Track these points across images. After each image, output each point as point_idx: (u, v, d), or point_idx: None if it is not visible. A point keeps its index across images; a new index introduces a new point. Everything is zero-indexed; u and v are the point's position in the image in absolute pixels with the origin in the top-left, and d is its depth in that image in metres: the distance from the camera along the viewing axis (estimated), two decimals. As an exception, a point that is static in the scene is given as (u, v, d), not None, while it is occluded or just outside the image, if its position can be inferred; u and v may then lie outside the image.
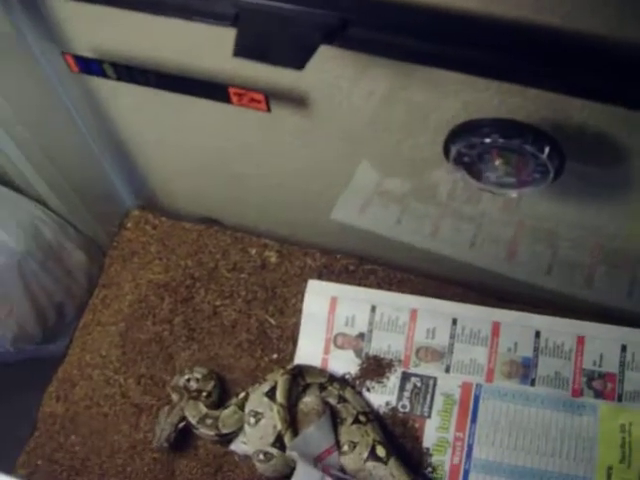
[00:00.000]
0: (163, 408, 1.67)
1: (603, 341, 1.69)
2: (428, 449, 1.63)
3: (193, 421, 1.62)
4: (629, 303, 1.73)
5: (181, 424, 1.65)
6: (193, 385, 1.71)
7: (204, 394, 1.68)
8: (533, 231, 1.65)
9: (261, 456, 1.53)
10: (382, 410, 1.67)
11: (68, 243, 1.90)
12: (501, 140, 1.17)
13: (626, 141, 1.19)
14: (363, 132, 1.45)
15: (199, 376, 1.71)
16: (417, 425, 1.65)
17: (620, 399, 1.65)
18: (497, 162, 1.22)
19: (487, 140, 1.18)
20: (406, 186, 1.66)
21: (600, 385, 1.66)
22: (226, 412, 1.62)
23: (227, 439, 1.64)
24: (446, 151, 1.26)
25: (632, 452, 1.60)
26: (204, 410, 1.63)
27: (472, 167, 1.26)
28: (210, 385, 1.70)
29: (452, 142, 1.23)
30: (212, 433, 1.61)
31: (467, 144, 1.20)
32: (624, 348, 1.67)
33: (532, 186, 1.26)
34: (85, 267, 1.97)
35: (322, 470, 1.38)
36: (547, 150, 1.16)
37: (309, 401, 1.57)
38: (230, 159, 1.70)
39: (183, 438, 1.67)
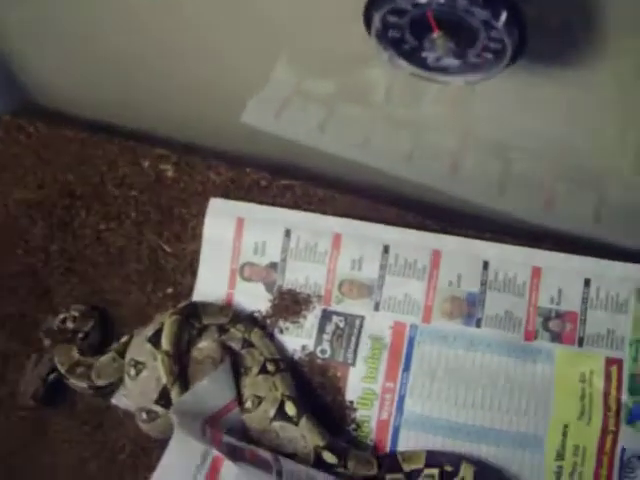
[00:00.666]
0: (31, 356, 1.39)
1: (562, 274, 1.43)
2: (352, 402, 1.38)
3: (62, 369, 1.35)
4: (594, 229, 1.47)
5: (52, 376, 1.37)
6: (69, 326, 1.41)
7: (79, 336, 1.40)
8: (482, 139, 1.38)
9: (144, 415, 1.26)
10: (297, 356, 1.41)
11: None
12: (440, 1, 0.85)
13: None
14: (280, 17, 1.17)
15: (76, 314, 1.43)
16: (339, 374, 1.40)
17: (581, 343, 1.40)
18: (435, 36, 0.92)
19: (421, 1, 0.86)
20: (330, 84, 1.38)
21: (558, 326, 1.41)
22: (103, 360, 1.35)
23: (104, 392, 1.37)
24: (367, 21, 0.94)
25: (593, 406, 1.37)
26: (76, 356, 1.36)
27: (402, 45, 0.96)
28: (88, 325, 1.42)
29: (374, 6, 0.90)
30: (84, 384, 1.34)
31: (393, 8, 0.89)
32: (587, 282, 1.42)
33: (482, 72, 0.97)
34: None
35: (211, 439, 1.08)
36: (504, 17, 0.86)
37: (204, 347, 1.30)
38: (120, 40, 1.39)
39: (57, 392, 1.40)
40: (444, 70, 0.99)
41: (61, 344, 1.38)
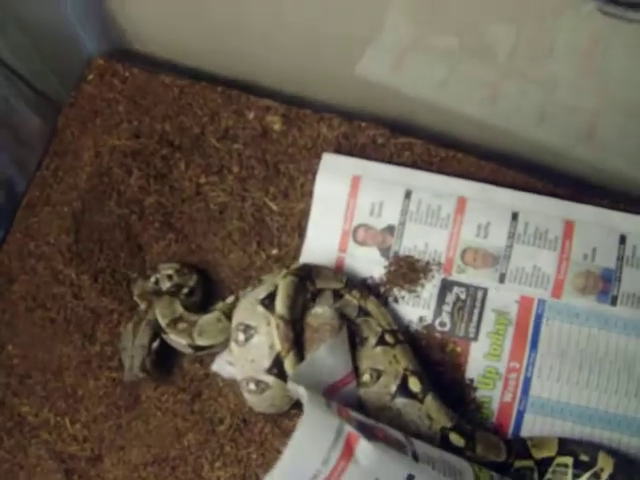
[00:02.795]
0: (125, 325, 1.29)
1: None
2: (472, 381, 1.27)
3: (162, 322, 1.25)
4: None
5: (155, 343, 1.27)
6: (165, 284, 1.31)
7: (184, 291, 1.30)
8: (628, 100, 1.23)
9: (252, 385, 1.15)
10: (414, 328, 1.29)
11: (19, 103, 1.51)
12: None
13: None
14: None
15: (171, 272, 1.33)
16: (459, 349, 1.28)
17: None
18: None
19: None
20: (457, 34, 1.26)
21: (701, 309, 1.27)
22: (207, 318, 1.25)
23: (204, 354, 1.28)
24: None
25: None
26: (179, 310, 1.26)
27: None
28: (193, 280, 1.33)
29: None
30: (184, 342, 1.24)
31: None
32: None
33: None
34: (40, 134, 1.55)
35: (338, 413, 0.97)
36: None
37: (320, 313, 1.18)
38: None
39: (162, 359, 1.29)
40: (636, 6, 0.86)
41: (165, 296, 1.28)
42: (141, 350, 1.24)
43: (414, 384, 1.15)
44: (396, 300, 1.30)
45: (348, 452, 0.93)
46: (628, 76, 1.18)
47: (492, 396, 1.26)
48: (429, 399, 1.14)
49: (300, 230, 1.36)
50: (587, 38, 1.15)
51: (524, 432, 1.24)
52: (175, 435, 1.27)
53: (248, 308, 1.18)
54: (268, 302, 1.16)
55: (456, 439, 1.13)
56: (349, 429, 0.94)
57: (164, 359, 1.29)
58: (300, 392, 0.99)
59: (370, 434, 0.97)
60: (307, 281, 1.19)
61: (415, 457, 0.98)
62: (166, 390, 1.29)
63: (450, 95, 1.35)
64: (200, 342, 1.23)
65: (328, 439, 0.92)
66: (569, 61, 1.21)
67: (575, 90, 1.27)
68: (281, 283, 1.16)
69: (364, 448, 0.93)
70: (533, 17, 1.15)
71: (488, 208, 1.31)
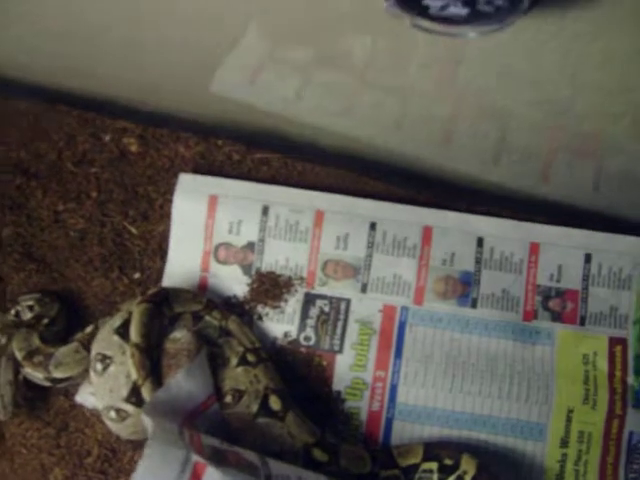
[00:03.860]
0: None
1: (562, 249, 1.34)
2: (339, 393, 1.27)
3: (19, 356, 1.21)
4: (594, 200, 1.37)
5: (21, 376, 1.23)
6: (27, 315, 1.28)
7: (44, 321, 1.27)
8: (477, 105, 1.26)
9: (112, 414, 1.13)
10: (279, 344, 1.29)
11: None
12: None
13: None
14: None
15: (31, 302, 1.29)
16: (325, 363, 1.29)
17: (583, 322, 1.32)
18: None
19: None
20: (309, 48, 1.25)
21: (558, 305, 1.32)
22: (64, 350, 1.21)
23: (63, 385, 1.24)
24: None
25: (598, 389, 1.28)
26: (36, 343, 1.23)
27: (402, -10, 0.83)
28: (54, 309, 1.29)
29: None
30: (40, 375, 1.20)
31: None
32: (588, 258, 1.34)
33: (491, 22, 0.85)
34: None
35: (190, 442, 0.96)
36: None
37: (178, 338, 1.17)
38: (76, 13, 1.24)
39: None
40: (448, 20, 0.87)
41: (22, 328, 1.24)
42: (9, 386, 1.20)
43: (275, 402, 1.15)
44: (260, 317, 1.29)
45: (195, 481, 0.92)
46: (472, 84, 1.20)
47: (360, 407, 1.26)
48: (290, 417, 1.14)
49: (162, 252, 1.34)
50: (443, 51, 1.16)
51: (394, 440, 1.25)
52: (41, 472, 1.23)
53: (105, 338, 1.16)
54: (123, 331, 1.14)
55: (319, 455, 1.13)
56: (196, 459, 0.93)
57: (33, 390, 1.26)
58: (146, 424, 0.97)
59: (221, 460, 0.96)
60: (163, 306, 1.17)
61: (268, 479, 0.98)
62: (31, 425, 1.25)
63: (306, 108, 1.35)
64: (57, 374, 1.20)
65: (173, 471, 0.91)
66: (414, 72, 1.22)
67: (427, 98, 1.28)
68: (135, 311, 1.15)
69: (212, 476, 0.92)
70: (368, 30, 1.16)
71: (346, 220, 1.31)
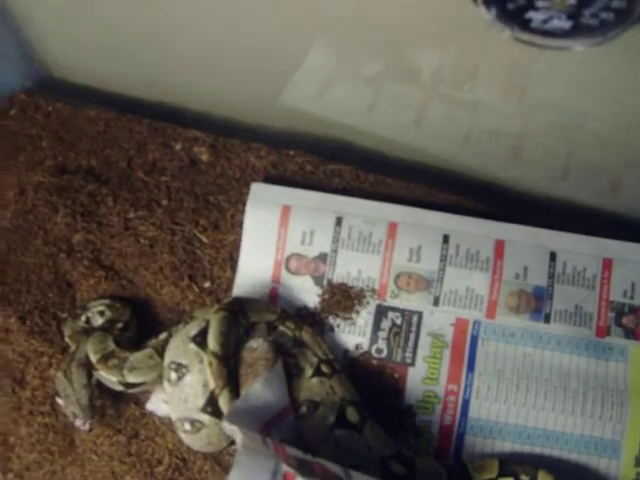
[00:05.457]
0: (56, 376, 1.23)
1: (636, 266, 1.32)
2: (411, 407, 1.26)
3: (93, 359, 1.21)
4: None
5: (94, 378, 1.22)
6: (97, 321, 1.28)
7: (118, 325, 1.27)
8: (548, 120, 1.26)
9: (187, 425, 1.12)
10: (350, 356, 1.27)
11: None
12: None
13: None
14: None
15: (102, 308, 1.30)
16: (397, 375, 1.28)
17: None
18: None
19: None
20: (381, 60, 1.26)
21: (631, 322, 1.30)
22: (138, 355, 1.21)
23: (136, 391, 1.23)
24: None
25: (674, 406, 1.23)
26: (111, 346, 1.23)
27: (507, 3, 0.82)
28: (126, 314, 1.30)
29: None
30: (114, 378, 1.20)
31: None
32: (663, 274, 1.29)
33: (596, 35, 0.83)
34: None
35: (275, 450, 0.95)
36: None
37: (254, 347, 1.16)
38: (154, 21, 1.24)
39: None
40: (549, 33, 0.87)
41: (97, 332, 1.25)
42: (84, 391, 1.20)
43: (352, 414, 1.14)
44: (332, 329, 1.29)
45: (284, 492, 0.91)
46: (548, 99, 1.20)
47: (432, 420, 1.25)
48: (368, 429, 1.14)
49: (232, 262, 1.34)
50: (507, 64, 1.16)
51: (465, 455, 1.24)
52: (112, 479, 1.23)
53: (180, 346, 1.15)
54: (200, 339, 1.14)
55: (397, 467, 1.12)
56: (285, 469, 0.92)
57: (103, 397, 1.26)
58: (234, 432, 0.97)
59: (308, 471, 0.95)
60: (240, 315, 1.17)
61: (354, 493, 0.97)
62: (101, 432, 1.26)
63: (377, 120, 1.35)
64: (130, 379, 1.19)
65: (263, 480, 0.91)
66: (491, 86, 1.22)
67: (498, 113, 1.27)
68: (213, 319, 1.14)
69: (300, 487, 0.92)
70: (454, 42, 1.15)
71: (419, 232, 1.30)
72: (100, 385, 1.22)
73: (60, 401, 1.20)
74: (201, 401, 1.11)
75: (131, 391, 1.23)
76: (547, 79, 1.14)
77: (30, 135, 1.46)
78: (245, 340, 1.17)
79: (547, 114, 1.24)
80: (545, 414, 1.24)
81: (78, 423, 1.19)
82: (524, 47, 0.92)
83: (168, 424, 1.24)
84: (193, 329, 1.15)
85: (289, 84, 1.30)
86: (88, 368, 1.21)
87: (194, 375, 1.12)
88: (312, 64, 1.29)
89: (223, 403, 1.10)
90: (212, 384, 1.10)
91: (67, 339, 1.28)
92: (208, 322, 1.14)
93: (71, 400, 1.18)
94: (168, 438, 1.25)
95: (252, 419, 1.07)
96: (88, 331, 1.28)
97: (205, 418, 1.11)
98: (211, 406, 1.11)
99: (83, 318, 1.30)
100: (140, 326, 1.31)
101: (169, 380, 1.14)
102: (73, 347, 1.26)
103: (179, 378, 1.13)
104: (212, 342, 1.12)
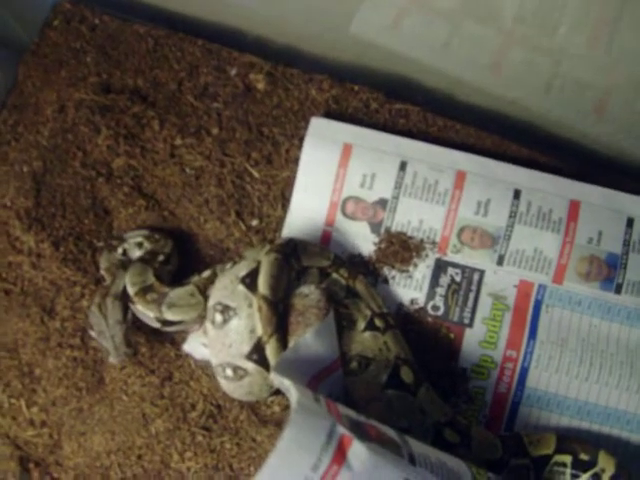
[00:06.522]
0: (89, 309, 1.15)
1: None
2: (465, 371, 1.19)
3: (131, 291, 1.13)
4: None
5: (129, 314, 1.15)
6: (135, 253, 1.19)
7: (160, 258, 1.19)
8: (631, 74, 1.15)
9: (229, 371, 1.05)
10: (404, 311, 1.19)
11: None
12: None
13: None
14: None
15: (140, 239, 1.22)
16: (453, 336, 1.20)
17: None
18: None
19: None
20: None
21: None
22: (179, 291, 1.13)
23: (173, 329, 1.16)
24: None
25: None
26: (151, 279, 1.15)
27: None
28: (168, 246, 1.21)
29: None
30: (151, 314, 1.12)
31: None
32: None
33: None
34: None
35: (328, 409, 0.87)
36: None
37: (306, 294, 1.08)
38: None
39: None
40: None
41: (137, 262, 1.17)
42: (119, 326, 1.12)
43: (406, 374, 1.06)
44: (386, 280, 1.20)
45: (340, 456, 0.83)
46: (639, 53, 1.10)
47: (486, 387, 1.17)
48: (423, 391, 1.06)
49: (283, 200, 1.25)
50: (597, 11, 1.06)
51: (518, 426, 1.17)
52: (142, 421, 1.17)
53: (227, 286, 1.07)
54: (249, 281, 1.05)
55: (451, 435, 1.05)
56: (342, 431, 0.84)
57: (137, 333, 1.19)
58: (287, 386, 0.88)
59: (363, 433, 0.87)
60: (292, 258, 1.09)
61: (412, 460, 0.89)
62: (133, 372, 1.19)
63: (451, 59, 1.25)
64: (168, 316, 1.12)
65: (319, 442, 0.82)
66: (577, 33, 1.11)
67: (583, 63, 1.17)
68: (264, 260, 1.06)
69: (358, 451, 0.84)
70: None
71: (489, 184, 1.21)
72: (135, 321, 1.15)
73: (93, 334, 1.12)
74: (247, 347, 1.03)
75: (168, 329, 1.15)
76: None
77: (73, 49, 1.36)
78: (296, 285, 1.09)
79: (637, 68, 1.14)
80: (608, 390, 1.17)
81: (111, 360, 1.10)
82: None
83: (204, 368, 1.18)
84: (243, 270, 1.07)
85: (361, 11, 1.20)
86: (124, 303, 1.14)
87: (241, 319, 1.04)
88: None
89: (270, 352, 1.02)
90: (260, 330, 1.02)
91: (103, 272, 1.21)
92: (259, 263, 1.06)
93: (105, 336, 1.11)
94: (203, 383, 1.18)
95: (300, 371, 0.99)
96: (125, 264, 1.20)
97: (249, 366, 1.03)
98: (257, 354, 1.03)
99: (120, 250, 1.22)
100: (180, 261, 1.23)
101: (213, 322, 1.06)
102: (109, 280, 1.18)
103: (225, 321, 1.04)
104: (263, 285, 1.03)
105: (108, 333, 1.11)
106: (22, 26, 1.42)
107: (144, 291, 1.13)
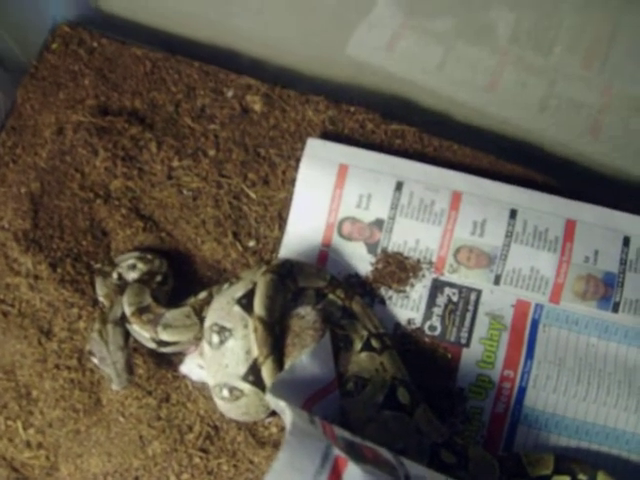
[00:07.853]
0: (90, 336, 1.15)
1: None
2: (462, 390, 1.18)
3: (128, 311, 1.14)
4: None
5: (131, 339, 1.15)
6: (130, 275, 1.19)
7: (157, 278, 1.19)
8: (625, 94, 1.18)
9: (225, 392, 1.05)
10: (401, 331, 1.19)
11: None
12: None
13: None
14: None
15: (132, 261, 1.23)
16: (450, 356, 1.20)
17: None
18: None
19: None
20: (452, 17, 1.19)
21: None
22: (175, 312, 1.13)
23: (168, 350, 1.15)
24: None
25: None
26: (147, 300, 1.15)
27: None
28: (163, 266, 1.22)
29: None
30: (147, 335, 1.12)
31: None
32: None
33: None
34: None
35: (323, 430, 0.87)
36: None
37: (302, 315, 1.08)
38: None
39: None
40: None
41: (134, 283, 1.17)
42: (121, 353, 1.12)
43: (403, 395, 1.06)
44: (382, 300, 1.20)
45: (335, 478, 0.83)
46: (633, 72, 1.10)
47: (484, 407, 1.17)
48: (419, 412, 1.06)
49: (280, 221, 1.26)
50: (591, 32, 1.07)
51: (516, 446, 1.16)
52: (139, 443, 1.16)
53: (224, 307, 1.07)
54: (246, 302, 1.05)
55: (447, 456, 1.04)
56: (337, 452, 0.84)
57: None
58: (282, 407, 0.88)
59: (358, 455, 0.87)
60: (288, 279, 1.09)
61: (407, 481, 0.89)
62: (130, 393, 1.18)
63: (446, 80, 1.26)
64: (164, 337, 1.12)
65: (314, 464, 0.82)
66: (572, 53, 1.12)
67: (578, 83, 1.18)
68: (260, 281, 1.06)
69: (353, 473, 0.83)
70: (534, 5, 1.07)
71: (485, 204, 1.21)
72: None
73: (95, 361, 1.12)
74: (243, 369, 1.03)
75: (163, 350, 1.15)
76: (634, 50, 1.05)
77: (72, 71, 1.37)
78: (292, 307, 1.09)
79: (632, 89, 1.14)
80: (606, 410, 1.16)
81: (114, 387, 1.10)
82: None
83: (201, 389, 1.18)
84: (239, 291, 1.07)
85: (357, 33, 1.21)
86: (125, 329, 1.14)
87: (237, 340, 1.04)
88: (383, 13, 1.19)
89: (266, 373, 1.02)
90: (256, 352, 1.02)
91: (101, 298, 1.21)
92: (255, 284, 1.06)
93: (107, 362, 1.11)
94: (200, 404, 1.17)
95: (296, 393, 0.99)
96: (122, 288, 1.20)
97: (245, 387, 1.03)
98: (253, 375, 1.03)
99: (115, 275, 1.22)
100: (177, 282, 1.23)
101: (210, 343, 1.06)
102: (108, 306, 1.18)
103: (221, 342, 1.05)
104: (258, 306, 1.04)
105: (110, 360, 1.10)
106: (21, 49, 1.42)
107: (140, 311, 1.13)
